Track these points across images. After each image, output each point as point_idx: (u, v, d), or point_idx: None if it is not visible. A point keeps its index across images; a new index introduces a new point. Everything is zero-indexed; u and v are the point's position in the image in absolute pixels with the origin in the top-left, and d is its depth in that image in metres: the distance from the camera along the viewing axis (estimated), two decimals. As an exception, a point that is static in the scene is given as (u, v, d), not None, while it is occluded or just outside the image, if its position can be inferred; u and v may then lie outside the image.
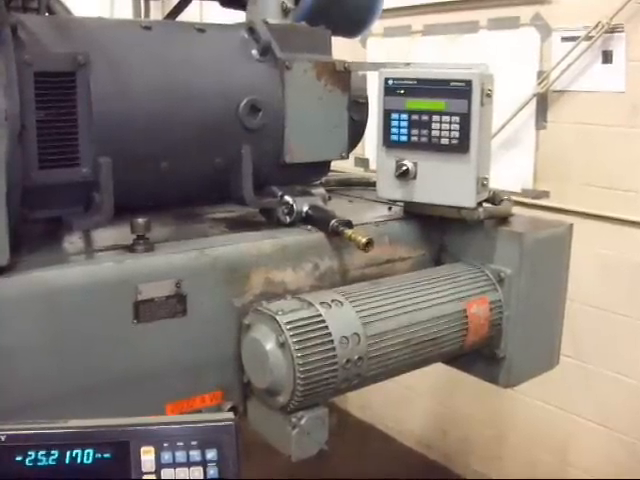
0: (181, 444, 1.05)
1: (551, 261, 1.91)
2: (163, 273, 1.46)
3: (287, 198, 1.73)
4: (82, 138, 1.42)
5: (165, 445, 1.05)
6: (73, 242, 1.57)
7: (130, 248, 1.49)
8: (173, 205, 1.74)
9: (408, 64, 1.88)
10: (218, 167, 1.65)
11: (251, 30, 1.73)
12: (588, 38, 3.23)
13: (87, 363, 1.39)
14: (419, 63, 1.91)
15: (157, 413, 1.45)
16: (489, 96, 1.74)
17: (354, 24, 2.16)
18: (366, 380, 1.59)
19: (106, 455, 1.03)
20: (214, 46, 1.69)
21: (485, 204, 1.85)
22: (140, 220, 1.48)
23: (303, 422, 1.50)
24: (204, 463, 1.05)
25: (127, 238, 1.50)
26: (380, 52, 4.12)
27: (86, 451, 1.03)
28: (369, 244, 1.61)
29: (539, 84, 3.47)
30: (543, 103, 3.50)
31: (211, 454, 1.05)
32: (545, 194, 3.55)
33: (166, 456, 1.05)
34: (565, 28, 3.35)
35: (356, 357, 1.53)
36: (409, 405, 4.52)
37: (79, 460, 1.02)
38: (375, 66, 1.87)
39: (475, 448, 4.20)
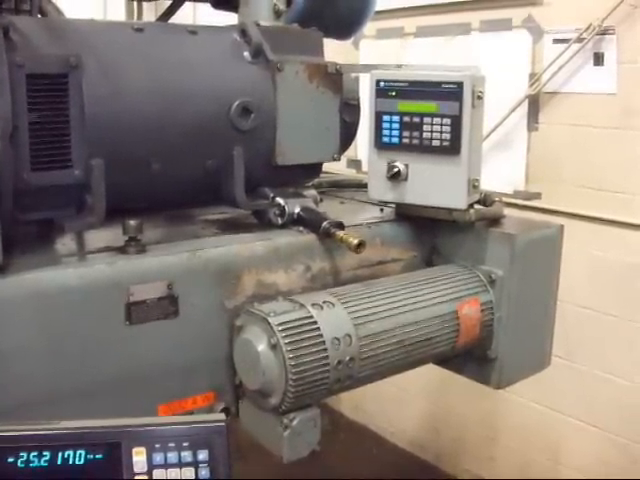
0: (172, 445, 1.06)
1: (542, 262, 1.92)
2: (155, 275, 1.46)
3: (279, 200, 1.73)
4: (74, 140, 1.42)
5: (157, 446, 1.05)
6: (65, 244, 1.57)
7: (122, 250, 1.49)
8: (165, 207, 1.74)
9: (400, 66, 1.89)
10: (210, 169, 1.65)
11: (243, 32, 1.73)
12: (580, 40, 3.25)
13: (79, 364, 1.39)
14: (411, 65, 1.92)
15: (149, 414, 1.45)
16: (480, 98, 1.75)
17: (346, 26, 2.17)
18: (358, 381, 1.60)
19: (98, 456, 1.03)
20: (206, 48, 1.69)
21: (476, 206, 1.86)
22: (132, 222, 1.48)
23: (295, 423, 1.50)
24: (196, 464, 1.06)
25: (119, 240, 1.50)
26: (373, 54, 4.13)
27: (78, 452, 1.03)
28: (361, 245, 1.61)
29: (531, 86, 3.48)
30: (535, 105, 3.52)
31: (202, 455, 1.06)
32: (537, 195, 3.56)
33: (158, 457, 1.05)
34: (557, 30, 3.36)
35: (348, 358, 1.53)
36: (402, 405, 4.53)
37: (71, 461, 1.03)
38: (367, 68, 1.87)
39: (468, 448, 4.21)
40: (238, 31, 1.74)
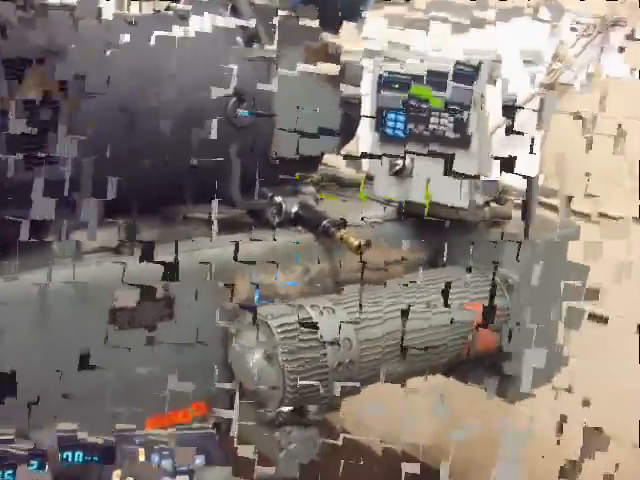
0: (167, 451, 1.07)
1: (557, 264, 1.83)
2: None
3: (276, 198, 1.70)
4: (61, 136, 1.38)
5: (154, 449, 1.07)
6: (58, 244, 1.53)
7: (116, 250, 1.48)
8: (158, 205, 1.70)
9: (408, 47, 1.83)
10: (204, 166, 1.60)
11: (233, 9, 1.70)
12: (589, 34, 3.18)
13: (72, 367, 1.36)
14: (416, 51, 1.86)
15: (143, 417, 1.44)
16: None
17: (350, 8, 2.11)
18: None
19: (94, 459, 1.05)
20: (199, 38, 1.63)
21: (492, 204, 1.79)
22: (126, 222, 1.47)
23: (292, 447, 1.49)
24: (191, 470, 1.07)
25: (113, 240, 1.49)
26: (377, 40, 4.07)
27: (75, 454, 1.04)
28: (362, 246, 1.57)
29: (547, 75, 3.41)
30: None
31: (198, 460, 1.08)
32: (553, 192, 3.48)
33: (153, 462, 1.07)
34: (574, 19, 3.30)
35: (347, 361, 1.51)
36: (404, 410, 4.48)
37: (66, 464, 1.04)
38: (370, 53, 1.82)
39: (472, 454, 4.16)
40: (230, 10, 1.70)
